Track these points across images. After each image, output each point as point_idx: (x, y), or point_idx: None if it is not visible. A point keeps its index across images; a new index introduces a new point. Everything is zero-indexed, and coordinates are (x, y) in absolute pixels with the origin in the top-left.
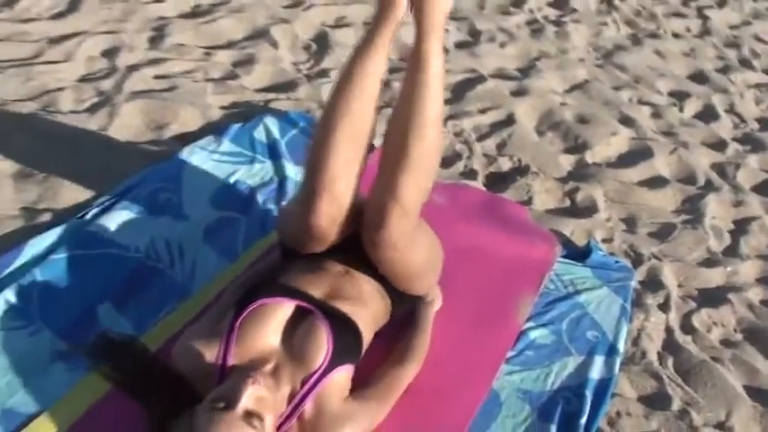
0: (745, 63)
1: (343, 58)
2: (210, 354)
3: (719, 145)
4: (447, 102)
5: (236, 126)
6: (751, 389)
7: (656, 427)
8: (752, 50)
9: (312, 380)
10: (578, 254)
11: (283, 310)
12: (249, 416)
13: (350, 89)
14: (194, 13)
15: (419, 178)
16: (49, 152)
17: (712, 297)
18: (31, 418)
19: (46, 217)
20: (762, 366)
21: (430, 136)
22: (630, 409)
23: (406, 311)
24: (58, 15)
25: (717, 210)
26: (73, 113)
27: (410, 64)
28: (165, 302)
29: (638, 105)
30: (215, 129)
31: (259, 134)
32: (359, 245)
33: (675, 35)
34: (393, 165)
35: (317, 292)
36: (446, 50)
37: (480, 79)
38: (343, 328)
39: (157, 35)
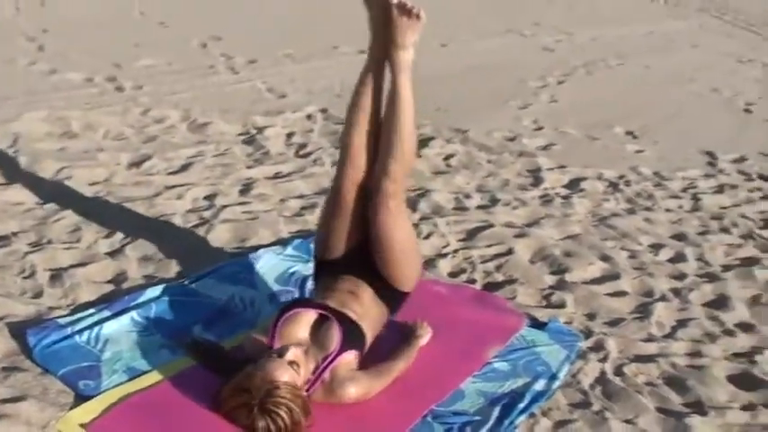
0: (725, 230)
1: None
2: (263, 339)
3: (681, 277)
4: (460, 240)
5: (297, 240)
6: (661, 408)
7: (577, 417)
8: (733, 222)
9: (329, 359)
10: (540, 324)
11: (310, 315)
12: (292, 363)
13: (356, 105)
14: (275, 176)
15: (401, 161)
16: (162, 248)
17: (644, 359)
18: (146, 372)
19: (160, 283)
20: (673, 398)
21: (406, 138)
22: (560, 407)
23: (400, 330)
24: (173, 173)
25: (663, 312)
26: (181, 228)
27: (390, 91)
28: (237, 328)
29: (618, 250)
30: (283, 242)
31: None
32: (362, 263)
33: (667, 210)
34: (384, 154)
35: (332, 303)
36: (466, 209)
37: (490, 227)
38: (350, 328)
39: (246, 188)
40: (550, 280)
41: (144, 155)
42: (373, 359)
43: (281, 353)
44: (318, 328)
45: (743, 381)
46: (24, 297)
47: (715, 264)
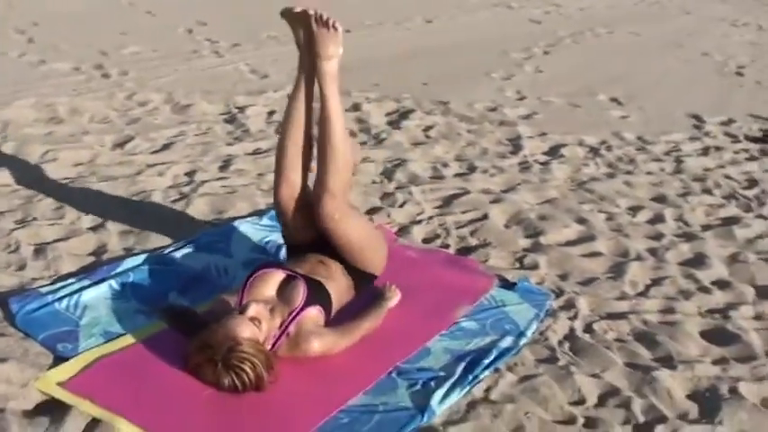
0: (707, 191)
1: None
2: (232, 301)
3: (658, 237)
4: (436, 207)
5: (273, 211)
6: (629, 363)
7: (542, 371)
8: (716, 183)
9: (294, 313)
10: (510, 285)
11: (278, 275)
12: (253, 319)
13: (290, 116)
14: (255, 152)
15: (337, 172)
16: (142, 222)
17: (615, 315)
18: (121, 334)
19: (139, 254)
20: (643, 353)
21: (338, 147)
22: (525, 362)
23: (369, 293)
24: (155, 152)
25: (638, 272)
26: (161, 204)
27: (320, 103)
28: (211, 294)
29: (595, 213)
30: (259, 213)
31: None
32: (328, 247)
33: (648, 173)
34: (320, 167)
35: (301, 269)
36: (443, 177)
37: (466, 193)
38: (315, 286)
39: (225, 164)
40: (525, 243)
41: (127, 136)
42: (340, 321)
43: (242, 310)
44: (285, 286)
45: (716, 336)
46: (9, 270)
47: (695, 224)
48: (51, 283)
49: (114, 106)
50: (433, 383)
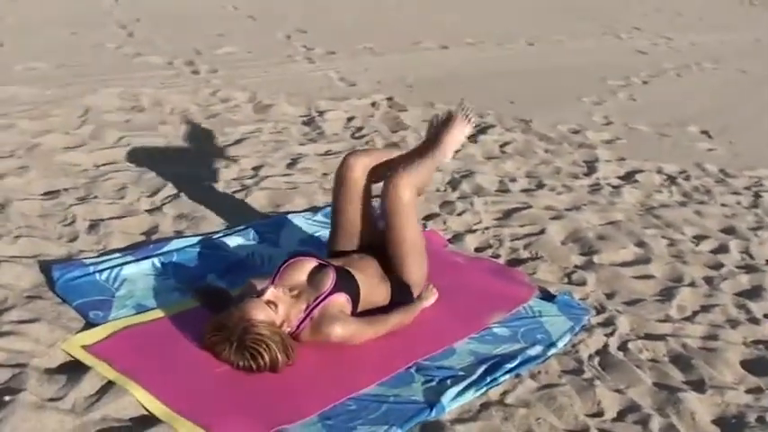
0: None
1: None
2: (261, 286)
3: (717, 266)
4: (495, 219)
5: (329, 208)
6: (658, 383)
7: (565, 382)
8: None
9: (321, 297)
10: (551, 297)
11: (310, 263)
12: (270, 303)
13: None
14: (326, 153)
15: (416, 167)
16: (198, 208)
17: (654, 336)
18: (152, 308)
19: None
20: (675, 375)
21: (424, 163)
22: (549, 371)
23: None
24: (227, 146)
25: (688, 297)
26: (221, 193)
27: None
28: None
29: (657, 238)
30: (315, 210)
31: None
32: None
33: (723, 204)
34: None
35: (335, 262)
36: (508, 191)
37: (528, 208)
38: (345, 276)
39: (293, 162)
40: (577, 260)
41: (202, 129)
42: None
43: (260, 293)
44: (316, 273)
45: (756, 366)
46: (60, 240)
47: (760, 258)
48: (97, 256)
49: (197, 101)
50: (449, 381)
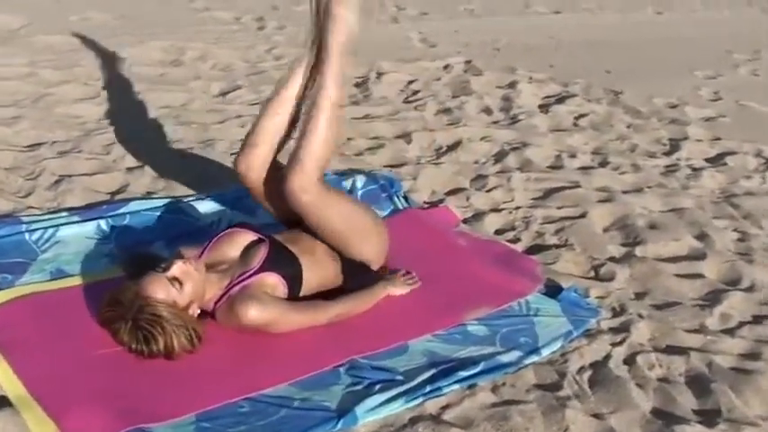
0: None
1: None
2: (194, 254)
3: None
4: (531, 198)
5: (333, 177)
6: (657, 410)
7: (531, 399)
8: None
9: (244, 276)
10: (555, 292)
11: (246, 235)
12: (174, 280)
13: (274, 99)
14: (363, 117)
15: (312, 145)
16: (185, 170)
17: (676, 350)
18: (70, 275)
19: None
20: (685, 401)
21: (321, 121)
22: (517, 384)
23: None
24: (253, 104)
25: (738, 304)
26: (220, 153)
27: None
28: None
29: (726, 231)
30: None
31: (346, 183)
32: None
33: None
34: (298, 138)
35: (280, 237)
36: (560, 168)
37: (574, 188)
38: (281, 253)
39: None
40: (614, 251)
41: (236, 86)
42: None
43: (165, 268)
44: (250, 249)
45: None
46: (14, 195)
47: None
48: (41, 215)
49: (247, 57)
50: (377, 386)
